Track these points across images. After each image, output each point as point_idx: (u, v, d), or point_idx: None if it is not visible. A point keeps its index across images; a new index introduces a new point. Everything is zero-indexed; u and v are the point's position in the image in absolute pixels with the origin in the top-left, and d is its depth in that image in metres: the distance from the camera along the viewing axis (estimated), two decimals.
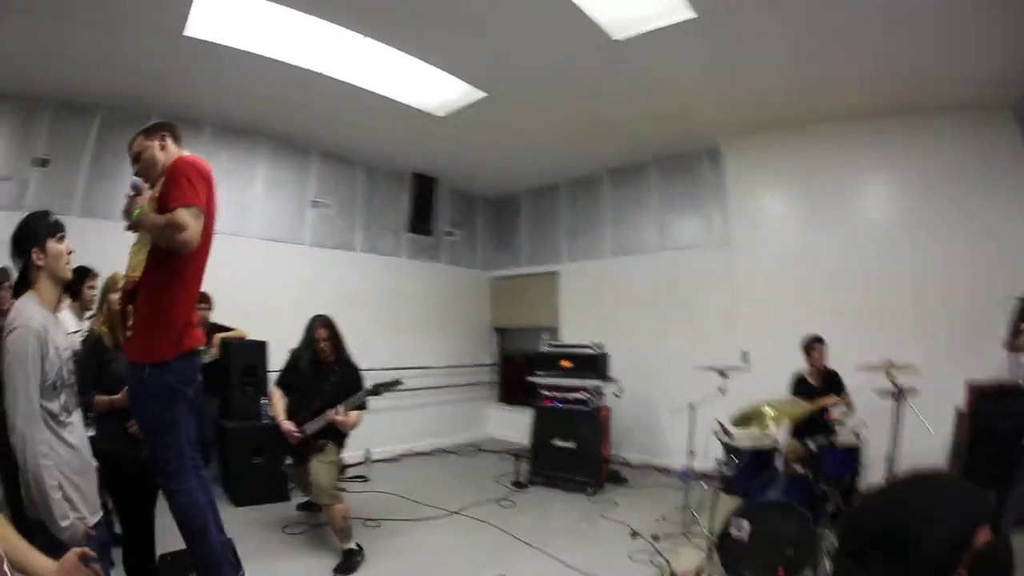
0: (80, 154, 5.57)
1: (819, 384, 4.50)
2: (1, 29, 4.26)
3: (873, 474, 3.94)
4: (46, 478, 1.81)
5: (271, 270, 6.39)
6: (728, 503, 3.78)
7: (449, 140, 6.35)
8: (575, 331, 7.36)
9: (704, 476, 4.57)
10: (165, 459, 2.51)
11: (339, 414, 4.00)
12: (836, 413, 4.36)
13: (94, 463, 2.19)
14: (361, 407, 4.15)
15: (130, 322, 2.55)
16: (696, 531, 4.19)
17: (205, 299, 4.87)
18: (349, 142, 6.75)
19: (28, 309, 1.95)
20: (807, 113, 5.42)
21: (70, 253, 2.14)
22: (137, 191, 2.51)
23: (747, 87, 4.96)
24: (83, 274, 3.69)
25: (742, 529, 3.20)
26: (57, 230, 2.10)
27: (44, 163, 5.44)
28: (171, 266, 2.43)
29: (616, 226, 7.37)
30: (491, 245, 9.03)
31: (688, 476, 4.75)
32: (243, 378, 5.20)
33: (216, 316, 5.17)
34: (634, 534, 4.28)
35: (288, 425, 4.10)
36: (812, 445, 3.89)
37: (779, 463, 4.17)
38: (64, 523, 1.84)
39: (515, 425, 7.40)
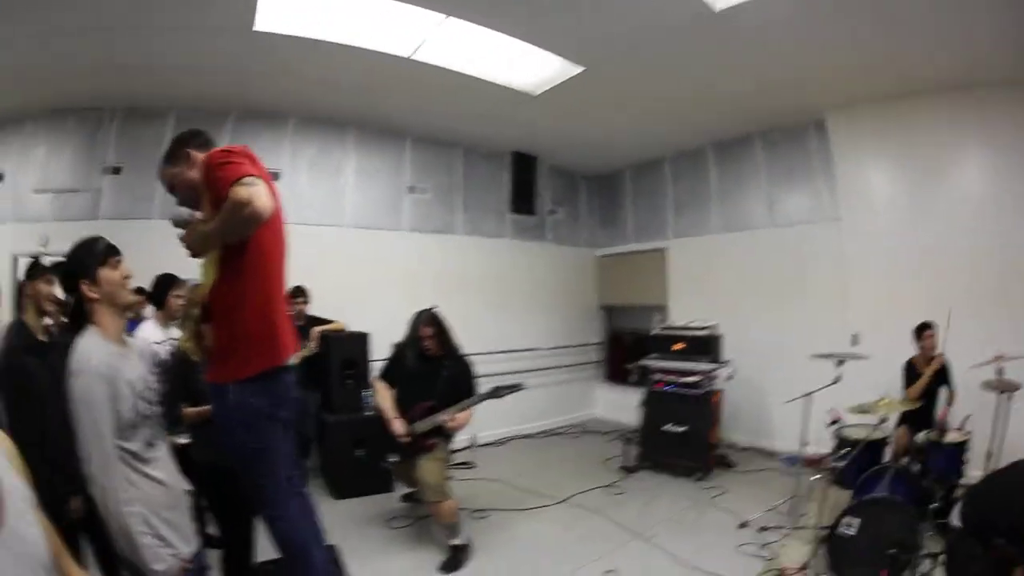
0: (156, 158, 5.58)
1: (927, 371, 4.22)
2: (66, 45, 4.38)
3: (975, 469, 3.67)
4: (132, 524, 1.72)
5: (370, 259, 6.39)
6: (838, 495, 3.72)
7: (547, 118, 6.15)
8: (684, 310, 7.03)
9: (811, 463, 4.39)
10: (260, 487, 2.30)
11: (451, 419, 3.90)
12: (945, 411, 4.04)
13: (185, 488, 2.09)
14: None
15: (207, 342, 2.31)
16: (804, 522, 4.01)
17: (301, 292, 4.94)
18: (443, 125, 6.59)
19: (90, 349, 1.81)
20: (913, 84, 5.00)
21: (127, 278, 1.96)
22: (185, 224, 2.19)
23: (851, 57, 4.58)
24: (168, 282, 3.65)
25: (852, 527, 3.06)
26: (110, 256, 1.93)
27: (116, 171, 5.57)
28: (241, 268, 2.13)
29: (723, 201, 7.00)
30: (596, 222, 8.78)
31: (794, 462, 4.60)
32: (344, 371, 5.19)
33: (314, 309, 5.20)
34: (742, 524, 4.14)
35: (399, 426, 3.99)
36: (920, 439, 3.75)
37: (887, 455, 3.94)
38: (158, 567, 1.77)
39: (622, 405, 7.23)
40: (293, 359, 2.33)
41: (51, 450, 2.15)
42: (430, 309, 4.22)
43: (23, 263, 3.61)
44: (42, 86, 5.18)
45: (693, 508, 4.64)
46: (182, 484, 2.06)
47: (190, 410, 2.90)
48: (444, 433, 3.99)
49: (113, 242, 1.96)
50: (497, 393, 3.98)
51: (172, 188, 2.30)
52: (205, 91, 5.35)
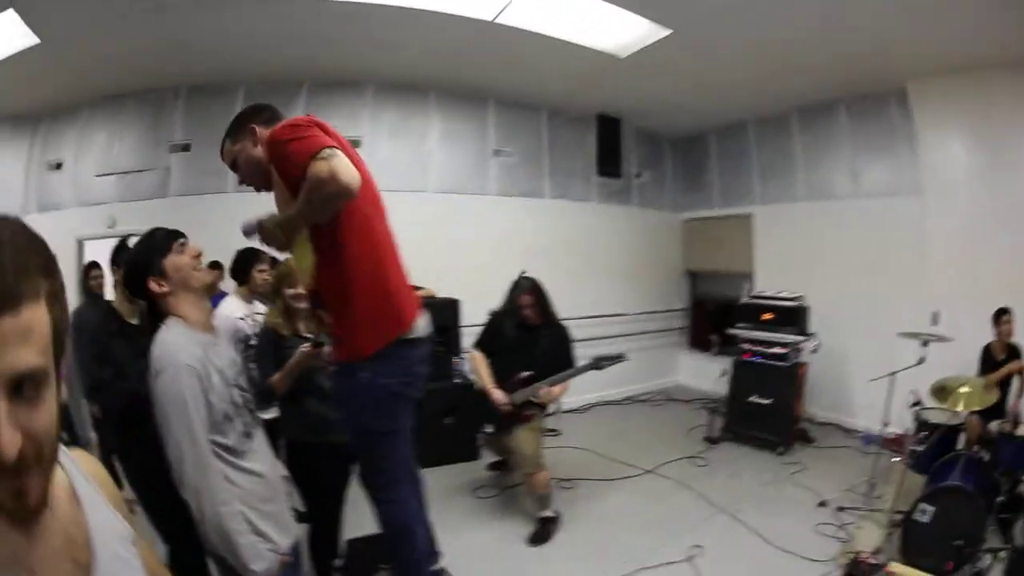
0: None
1: (1004, 357, 4.20)
2: (129, 29, 4.42)
3: None
4: (230, 525, 1.64)
5: (456, 224, 6.40)
6: (914, 480, 3.65)
7: (632, 80, 6.02)
8: (769, 279, 6.92)
9: (890, 444, 4.36)
10: (377, 470, 2.22)
11: (549, 391, 3.86)
12: (1016, 402, 4.01)
13: (283, 474, 2.04)
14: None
15: (327, 324, 2.18)
16: (880, 505, 3.97)
17: None
18: (526, 88, 6.47)
19: (173, 343, 1.70)
20: (999, 56, 4.73)
21: (198, 256, 1.85)
22: (256, 230, 2.03)
23: (937, 25, 4.35)
24: (251, 257, 3.61)
25: (926, 514, 3.06)
26: (171, 241, 1.81)
27: (186, 148, 5.66)
28: (340, 243, 1.96)
29: (808, 169, 6.79)
30: (681, 187, 8.56)
31: (872, 441, 4.56)
32: (434, 338, 5.24)
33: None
34: (821, 503, 4.15)
35: (499, 395, 3.92)
36: (993, 428, 3.70)
37: (961, 443, 3.88)
38: (257, 565, 1.70)
39: (705, 373, 7.16)
40: (422, 325, 2.19)
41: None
42: (529, 276, 4.13)
43: (88, 247, 3.92)
44: (98, 74, 5.31)
45: (773, 483, 4.65)
46: (280, 471, 2.00)
47: (277, 377, 2.72)
48: (541, 404, 3.95)
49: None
50: (598, 364, 3.91)
51: (234, 166, 2.16)
52: (276, 63, 5.31)
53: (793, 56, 5.25)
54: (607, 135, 7.50)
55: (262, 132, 2.02)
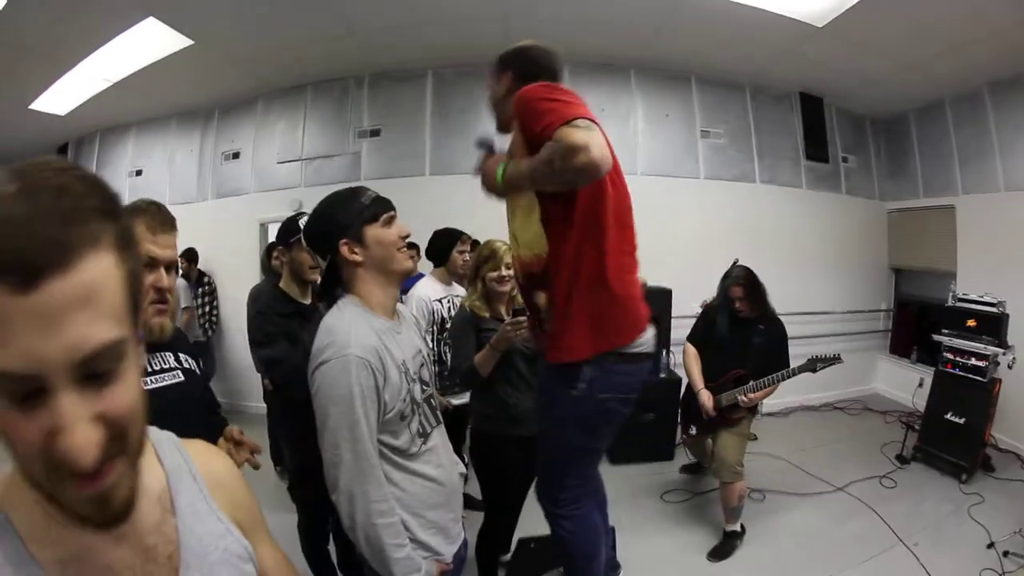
0: (416, 117, 5.94)
1: None
2: (291, 21, 4.64)
3: None
4: (385, 537, 1.50)
5: (666, 208, 6.24)
6: None
7: (829, 52, 5.83)
8: (972, 279, 6.30)
9: None
10: (561, 485, 2.05)
11: (752, 396, 3.72)
12: None
13: (460, 473, 1.87)
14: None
15: (543, 316, 1.99)
16: None
17: None
18: (728, 64, 6.31)
19: (347, 328, 1.52)
20: None
21: (406, 237, 1.66)
22: (489, 148, 1.96)
23: None
24: (452, 238, 3.53)
25: None
26: (380, 211, 1.62)
27: (376, 133, 5.89)
28: (583, 221, 1.80)
29: (1008, 154, 6.18)
30: (885, 173, 7.97)
31: None
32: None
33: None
34: (989, 545, 3.88)
35: (706, 397, 3.80)
36: None
37: None
38: None
39: (904, 383, 7.01)
40: (649, 340, 2.01)
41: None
42: (742, 266, 3.95)
43: (272, 229, 3.92)
44: (266, 66, 5.65)
45: (954, 515, 4.42)
46: (456, 473, 1.84)
47: (480, 355, 2.63)
48: (748, 407, 3.79)
49: None
50: (814, 367, 3.72)
51: (490, 104, 2.11)
52: (463, 44, 5.35)
53: (988, 20, 4.90)
54: (812, 115, 7.29)
55: (512, 84, 1.96)
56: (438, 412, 1.79)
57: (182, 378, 1.60)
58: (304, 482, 2.61)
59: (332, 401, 1.47)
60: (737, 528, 3.88)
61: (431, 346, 2.83)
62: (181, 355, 1.65)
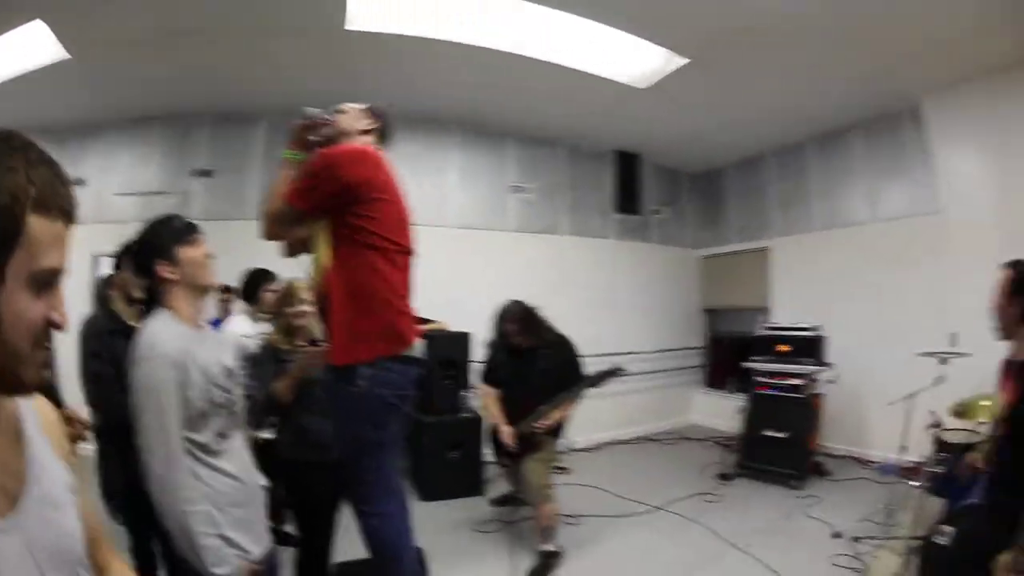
0: (249, 160, 5.95)
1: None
2: (154, 55, 4.60)
3: None
4: (193, 524, 1.59)
5: (474, 258, 6.43)
6: (932, 505, 3.54)
7: (651, 113, 6.11)
8: (787, 311, 6.83)
9: (908, 472, 4.15)
10: (362, 481, 2.21)
11: (542, 421, 3.78)
12: None
13: (261, 483, 1.97)
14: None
15: (328, 324, 2.20)
16: (897, 533, 3.86)
17: None
18: (547, 123, 6.53)
19: (159, 333, 1.70)
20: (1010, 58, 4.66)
21: (208, 257, 1.87)
22: (310, 121, 2.27)
23: (949, 30, 4.29)
24: (260, 277, 3.71)
25: (945, 536, 2.84)
26: (188, 234, 1.82)
27: (207, 173, 5.86)
28: (361, 240, 2.08)
29: (824, 197, 6.73)
30: (699, 222, 8.55)
31: (889, 471, 4.51)
32: (444, 371, 5.15)
33: (416, 309, 5.16)
34: (836, 534, 3.96)
35: (506, 432, 3.89)
36: None
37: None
38: (221, 570, 1.63)
39: (721, 411, 7.00)
40: (419, 348, 2.26)
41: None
42: (515, 301, 4.08)
43: (104, 262, 4.08)
44: (125, 95, 5.47)
45: (788, 517, 4.47)
46: (258, 479, 1.95)
47: (281, 384, 2.73)
48: (547, 430, 3.86)
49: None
50: (596, 381, 3.87)
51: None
52: (297, 94, 5.15)
53: (806, 80, 5.25)
54: (626, 171, 7.57)
55: (360, 123, 2.33)
56: (239, 418, 1.89)
57: None
58: (129, 503, 2.54)
59: (146, 395, 1.62)
60: (553, 548, 3.78)
61: (241, 378, 2.47)
62: None
